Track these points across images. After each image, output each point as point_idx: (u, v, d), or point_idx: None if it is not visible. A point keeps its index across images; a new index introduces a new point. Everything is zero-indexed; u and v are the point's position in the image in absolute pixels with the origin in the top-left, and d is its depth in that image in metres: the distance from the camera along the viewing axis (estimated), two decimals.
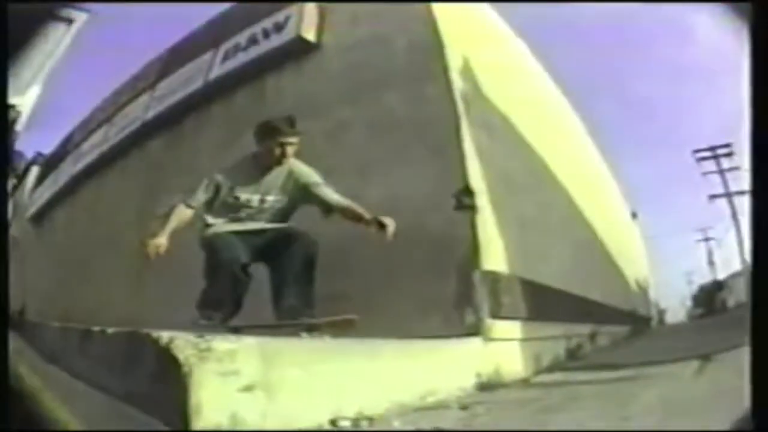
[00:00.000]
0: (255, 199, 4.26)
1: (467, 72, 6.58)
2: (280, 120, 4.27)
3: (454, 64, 6.22)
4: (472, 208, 5.34)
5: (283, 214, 4.45)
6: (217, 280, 3.99)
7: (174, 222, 4.16)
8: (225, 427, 1.98)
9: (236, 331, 3.84)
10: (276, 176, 4.31)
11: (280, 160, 4.25)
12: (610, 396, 3.81)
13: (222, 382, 1.99)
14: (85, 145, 12.25)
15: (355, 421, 2.79)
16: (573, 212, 12.11)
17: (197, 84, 8.82)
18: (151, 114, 9.72)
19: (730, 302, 48.46)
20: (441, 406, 3.53)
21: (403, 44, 6.46)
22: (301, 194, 4.40)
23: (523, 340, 5.91)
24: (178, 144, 9.09)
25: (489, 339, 4.92)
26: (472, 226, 5.27)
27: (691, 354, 5.82)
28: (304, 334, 3.90)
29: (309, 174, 4.40)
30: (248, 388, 2.03)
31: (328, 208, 4.37)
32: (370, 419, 2.89)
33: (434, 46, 6.22)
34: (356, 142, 6.35)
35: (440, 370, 4.02)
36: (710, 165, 36.06)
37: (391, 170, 5.89)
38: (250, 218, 4.28)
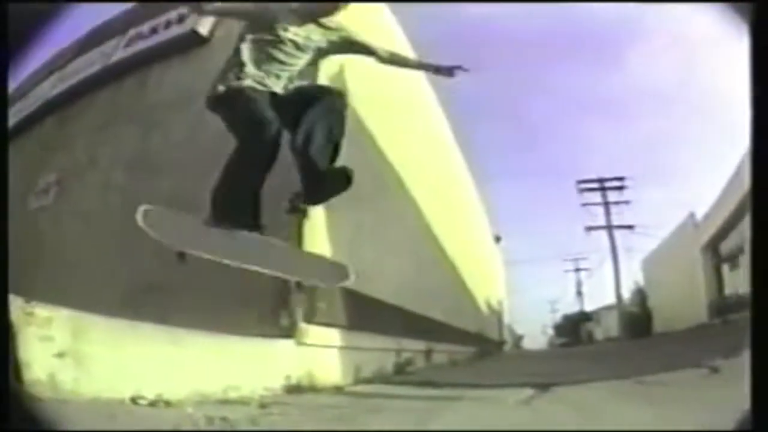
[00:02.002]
0: (300, 36, 4.23)
1: (338, 75, 7.53)
2: None
3: (328, 68, 7.10)
4: (303, 212, 6.21)
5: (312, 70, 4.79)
6: (251, 142, 4.07)
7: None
8: (45, 384, 2.69)
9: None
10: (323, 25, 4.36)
11: (332, 11, 4.30)
12: (413, 412, 4.57)
13: (40, 345, 2.68)
14: None
15: (154, 402, 3.57)
16: (421, 228, 13.46)
17: (96, 67, 9.50)
18: (54, 93, 10.19)
19: (598, 335, 53.90)
20: (240, 401, 4.35)
21: None
22: (346, 45, 4.51)
23: (341, 348, 6.91)
24: (66, 124, 9.58)
25: (302, 343, 5.84)
26: (299, 230, 6.06)
27: (530, 381, 6.41)
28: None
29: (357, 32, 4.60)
30: (60, 355, 2.73)
31: (375, 54, 4.59)
32: (168, 403, 3.67)
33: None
34: (211, 139, 7.13)
35: (247, 368, 4.86)
36: (594, 196, 40.34)
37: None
38: (280, 71, 4.29)
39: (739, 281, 27.19)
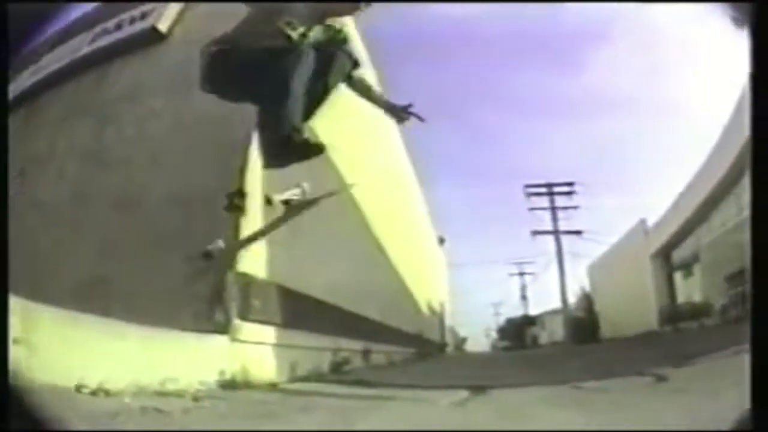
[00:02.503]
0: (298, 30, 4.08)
1: None
2: None
3: None
4: (240, 210, 6.59)
5: None
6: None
7: None
8: None
9: None
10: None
11: (349, 11, 4.38)
12: (341, 411, 4.74)
13: None
14: None
15: (95, 391, 3.95)
16: (361, 229, 13.98)
17: (65, 62, 9.77)
18: (27, 84, 10.37)
19: (543, 339, 55.43)
20: (176, 393, 4.71)
21: None
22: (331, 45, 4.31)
23: (276, 345, 7.34)
24: (34, 116, 9.76)
25: (236, 339, 6.24)
26: (236, 227, 6.38)
27: (466, 384, 6.53)
28: None
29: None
30: (15, 341, 3.07)
31: (355, 67, 4.58)
32: (108, 392, 4.05)
33: None
34: (156, 132, 7.57)
35: (184, 362, 5.25)
36: (542, 201, 41.46)
37: (180, 164, 7.12)
38: None
39: (693, 289, 28.38)
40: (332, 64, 4.22)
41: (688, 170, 25.76)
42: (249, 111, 7.34)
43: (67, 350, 3.80)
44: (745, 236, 16.15)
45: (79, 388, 3.83)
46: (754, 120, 1.74)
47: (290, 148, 4.07)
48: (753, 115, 1.74)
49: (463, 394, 5.52)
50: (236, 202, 6.23)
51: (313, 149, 4.28)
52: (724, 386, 3.88)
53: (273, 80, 3.93)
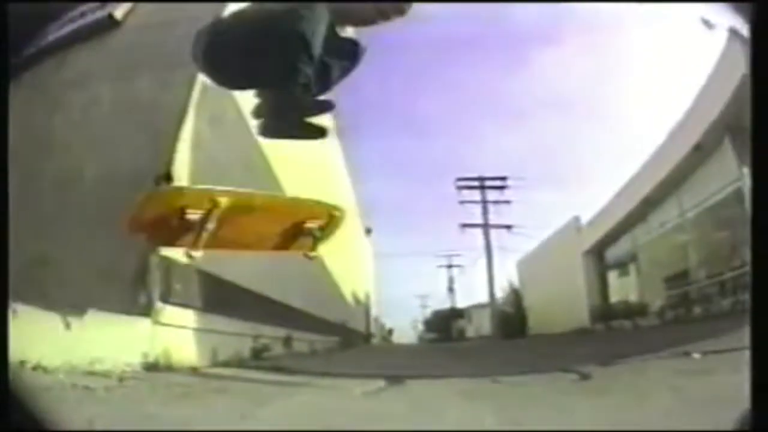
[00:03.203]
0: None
1: None
2: None
3: None
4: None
5: None
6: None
7: None
8: None
9: None
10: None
11: (368, 21, 4.02)
12: (252, 395, 5.12)
13: None
14: None
15: (35, 367, 4.58)
16: None
17: (32, 49, 10.11)
18: None
19: (470, 332, 56.54)
20: (104, 374, 5.26)
21: (185, 31, 8.19)
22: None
23: (197, 330, 7.97)
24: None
25: (158, 322, 6.83)
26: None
27: (384, 374, 6.82)
28: None
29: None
30: None
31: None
32: (45, 369, 4.68)
33: None
34: (97, 116, 8.07)
35: (110, 343, 5.82)
36: (473, 194, 42.64)
37: (117, 148, 7.64)
38: None
39: (629, 288, 29.43)
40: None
41: (626, 171, 26.70)
42: (183, 96, 7.96)
43: (15, 329, 4.38)
44: (687, 238, 17.25)
45: (22, 363, 4.42)
46: (755, 120, 1.78)
47: (297, 127, 3.91)
48: (753, 114, 1.77)
49: (380, 383, 5.79)
50: (162, 186, 6.92)
51: (321, 132, 4.07)
52: (652, 389, 4.17)
53: (286, 50, 3.67)
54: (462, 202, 41.99)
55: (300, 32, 3.57)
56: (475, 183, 42.18)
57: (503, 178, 41.84)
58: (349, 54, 4.10)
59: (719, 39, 15.45)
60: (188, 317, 7.82)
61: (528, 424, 3.38)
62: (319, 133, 4.03)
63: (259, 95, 4.06)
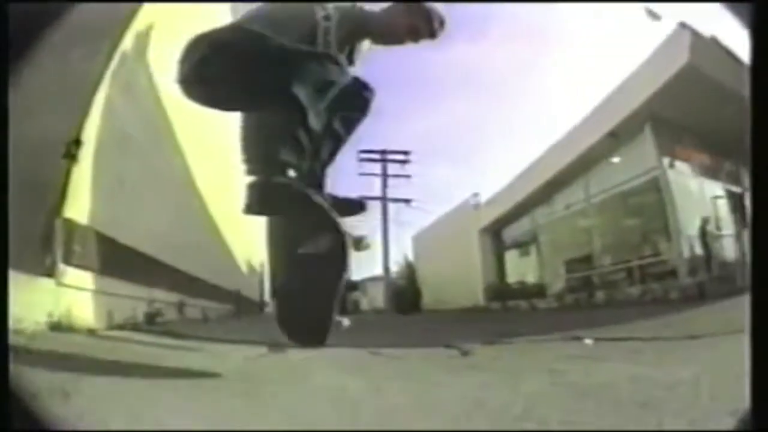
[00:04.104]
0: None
1: (143, 36, 9.07)
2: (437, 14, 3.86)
3: (139, 25, 8.50)
4: (74, 158, 7.28)
5: None
6: None
7: None
8: None
9: None
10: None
11: (398, 39, 3.88)
12: (144, 357, 5.38)
13: None
14: None
15: None
16: (187, 184, 15.18)
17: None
18: None
19: (364, 305, 57.35)
20: (21, 332, 5.49)
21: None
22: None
23: (96, 292, 8.33)
24: None
25: (60, 284, 7.13)
26: (67, 175, 7.25)
27: (269, 341, 6.71)
28: None
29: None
30: None
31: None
32: None
33: (132, 9, 8.48)
34: (33, 82, 8.35)
35: (23, 303, 5.98)
36: (374, 167, 43.69)
37: (34, 117, 7.95)
38: None
39: (528, 269, 30.23)
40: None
41: (530, 155, 27.23)
42: (101, 65, 8.33)
43: None
44: (592, 222, 18.24)
45: None
46: (755, 119, 1.77)
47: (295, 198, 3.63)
48: (753, 114, 1.76)
49: (262, 350, 5.89)
50: (71, 151, 7.21)
51: (358, 206, 4.04)
52: (530, 370, 4.24)
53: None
54: (362, 174, 43.05)
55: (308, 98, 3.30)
56: (377, 156, 43.07)
57: (406, 152, 42.97)
58: (358, 102, 3.85)
59: (661, 31, 16.06)
60: (87, 279, 8.14)
61: (389, 393, 3.37)
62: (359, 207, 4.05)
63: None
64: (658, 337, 5.35)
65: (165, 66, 11.02)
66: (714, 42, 13.38)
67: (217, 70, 3.40)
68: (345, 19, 3.52)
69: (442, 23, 3.91)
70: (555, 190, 25.66)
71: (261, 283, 30.85)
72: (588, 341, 5.61)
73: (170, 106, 12.22)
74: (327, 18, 3.42)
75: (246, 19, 3.56)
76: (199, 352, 6.12)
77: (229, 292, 21.33)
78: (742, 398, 1.69)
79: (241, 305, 23.15)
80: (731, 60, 12.15)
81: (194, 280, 15.71)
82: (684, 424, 1.72)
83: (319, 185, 3.88)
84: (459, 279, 36.09)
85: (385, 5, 3.77)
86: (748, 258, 14.73)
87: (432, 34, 3.84)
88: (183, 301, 14.07)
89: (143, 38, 9.34)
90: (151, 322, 10.68)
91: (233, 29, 3.63)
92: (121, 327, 8.84)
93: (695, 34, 13.85)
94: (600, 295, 20.53)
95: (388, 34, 3.83)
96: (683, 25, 13.99)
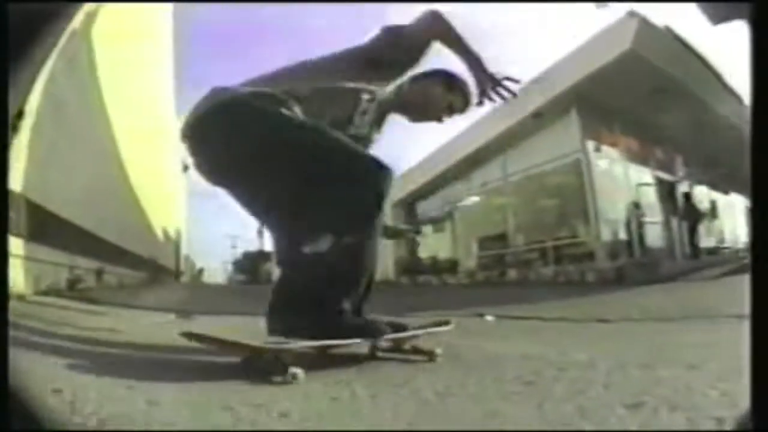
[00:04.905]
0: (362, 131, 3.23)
1: (92, 14, 9.63)
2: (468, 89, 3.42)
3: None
4: (14, 129, 7.55)
5: None
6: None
7: None
8: None
9: None
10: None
11: (435, 116, 3.49)
12: (64, 321, 5.23)
13: None
14: None
15: None
16: (112, 155, 15.54)
17: None
18: None
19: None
20: None
21: None
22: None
23: (25, 258, 8.70)
24: None
25: None
26: (6, 144, 7.82)
27: (180, 309, 7.01)
28: None
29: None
30: None
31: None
32: None
33: None
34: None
35: None
36: None
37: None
38: None
39: (440, 245, 30.05)
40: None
41: (451, 130, 27.10)
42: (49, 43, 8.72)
43: None
44: (507, 201, 18.01)
45: None
46: (755, 119, 1.69)
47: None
48: (753, 114, 1.69)
49: (170, 317, 5.92)
50: (13, 122, 7.64)
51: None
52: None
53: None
54: None
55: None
56: None
57: None
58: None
59: (604, 17, 15.84)
60: (18, 245, 8.49)
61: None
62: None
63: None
64: (564, 318, 5.19)
65: (107, 42, 11.48)
66: (667, 32, 13.68)
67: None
68: (386, 102, 3.30)
69: (474, 97, 3.43)
70: (473, 167, 24.53)
71: (177, 251, 31.00)
72: (489, 318, 5.37)
73: (106, 82, 12.65)
74: (371, 100, 3.16)
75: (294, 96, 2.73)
76: (113, 317, 6.13)
77: (146, 260, 21.59)
78: (643, 390, 1.68)
79: (157, 273, 23.38)
80: (684, 52, 12.98)
81: (113, 248, 16.05)
82: (569, 408, 1.58)
83: None
84: None
85: (424, 81, 3.34)
86: (739, 251, 15.53)
87: (464, 111, 3.50)
88: (102, 268, 14.41)
89: (92, 16, 9.79)
90: (72, 288, 11.00)
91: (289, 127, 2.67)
92: (45, 293, 9.09)
93: (644, 22, 14.05)
94: (512, 274, 19.78)
95: (425, 114, 3.49)
96: (632, 14, 14.28)
